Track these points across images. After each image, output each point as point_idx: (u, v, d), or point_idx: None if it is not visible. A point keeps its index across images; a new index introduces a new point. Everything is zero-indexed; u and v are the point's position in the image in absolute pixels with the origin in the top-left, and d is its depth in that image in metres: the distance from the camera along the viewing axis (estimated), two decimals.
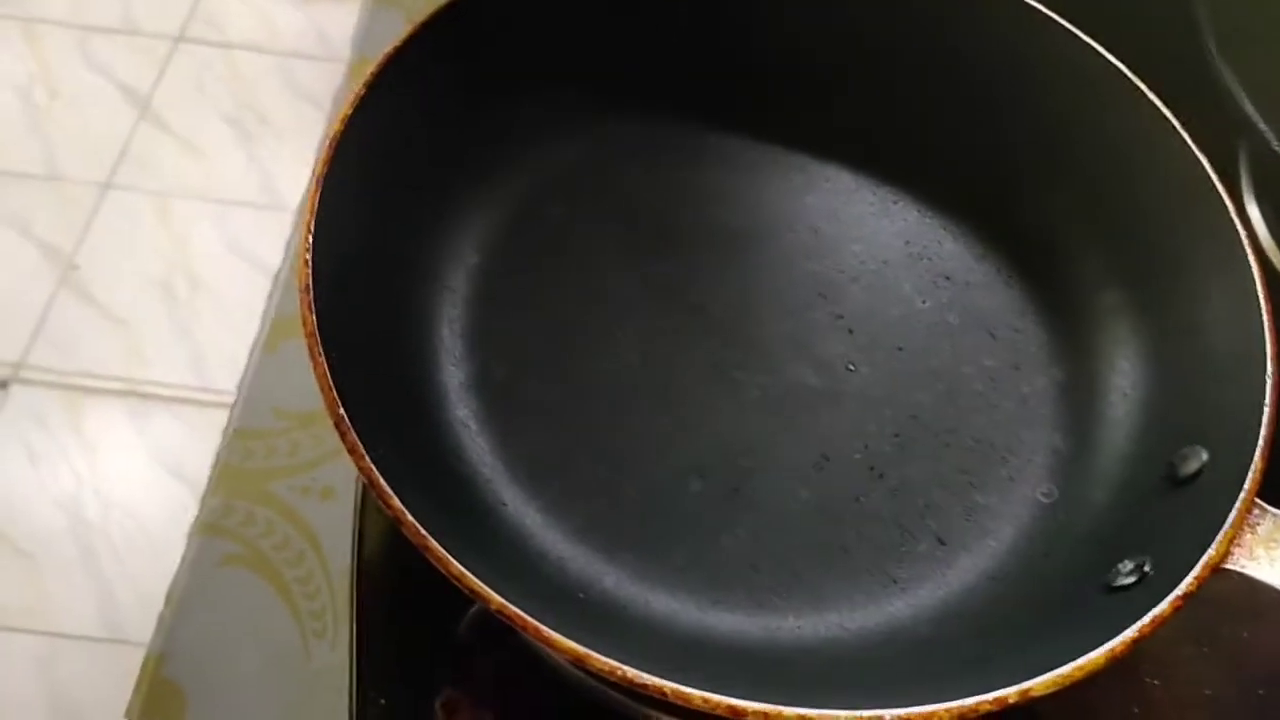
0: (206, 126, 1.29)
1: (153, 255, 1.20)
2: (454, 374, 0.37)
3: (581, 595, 0.33)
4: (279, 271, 0.52)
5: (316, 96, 1.31)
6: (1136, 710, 0.36)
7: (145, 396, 1.11)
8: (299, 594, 0.41)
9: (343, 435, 0.29)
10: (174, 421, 1.10)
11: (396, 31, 0.57)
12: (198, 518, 0.43)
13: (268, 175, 1.27)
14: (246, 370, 0.48)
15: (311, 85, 1.32)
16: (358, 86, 0.35)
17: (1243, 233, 0.34)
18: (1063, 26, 0.38)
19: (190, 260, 1.20)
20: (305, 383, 0.47)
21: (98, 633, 0.99)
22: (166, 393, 1.11)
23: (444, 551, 0.27)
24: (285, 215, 1.24)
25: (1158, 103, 0.36)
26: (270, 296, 0.50)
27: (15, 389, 1.11)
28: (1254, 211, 0.48)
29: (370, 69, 0.36)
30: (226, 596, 0.41)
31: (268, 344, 0.48)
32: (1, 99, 1.29)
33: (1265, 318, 0.33)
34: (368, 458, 0.28)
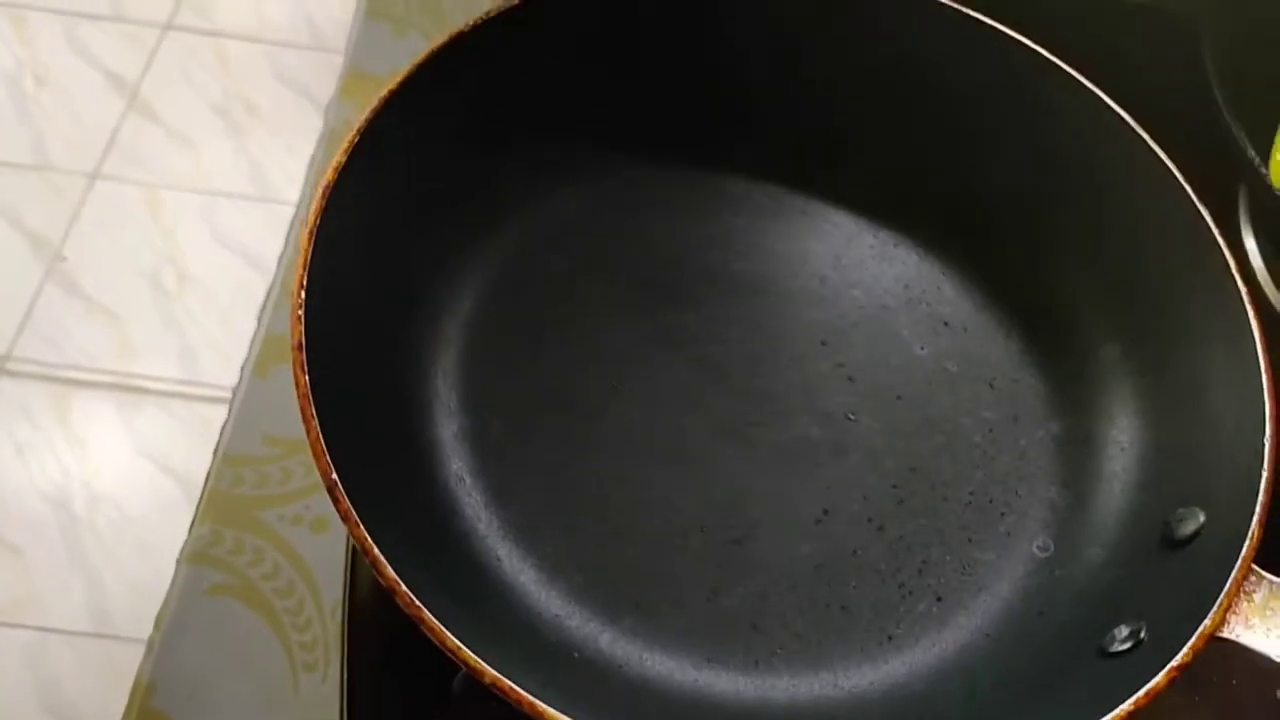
0: (195, 116, 1.27)
1: (141, 246, 1.19)
2: (448, 426, 0.36)
3: (576, 655, 0.33)
4: (270, 288, 0.52)
5: (306, 86, 1.29)
6: None
7: (133, 389, 1.11)
8: (289, 625, 0.41)
9: (336, 502, 0.29)
10: (162, 415, 1.10)
11: (384, 44, 0.57)
12: (185, 545, 0.43)
13: (257, 166, 1.25)
14: (236, 393, 0.47)
15: (301, 75, 1.30)
16: (350, 132, 0.35)
17: (1246, 298, 0.34)
18: (1071, 76, 0.38)
19: (179, 252, 1.19)
20: (296, 411, 0.46)
21: (86, 627, 0.99)
22: (155, 386, 1.11)
23: (438, 624, 0.27)
24: (275, 207, 1.22)
25: (1167, 161, 0.36)
26: (261, 315, 0.50)
27: (2, 381, 1.10)
28: (1250, 244, 0.48)
29: (363, 115, 0.35)
30: (215, 626, 0.41)
31: (257, 367, 0.48)
32: None
33: (1265, 381, 0.33)
34: (362, 525, 0.28)
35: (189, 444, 1.06)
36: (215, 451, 0.45)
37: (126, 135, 1.26)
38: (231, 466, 0.45)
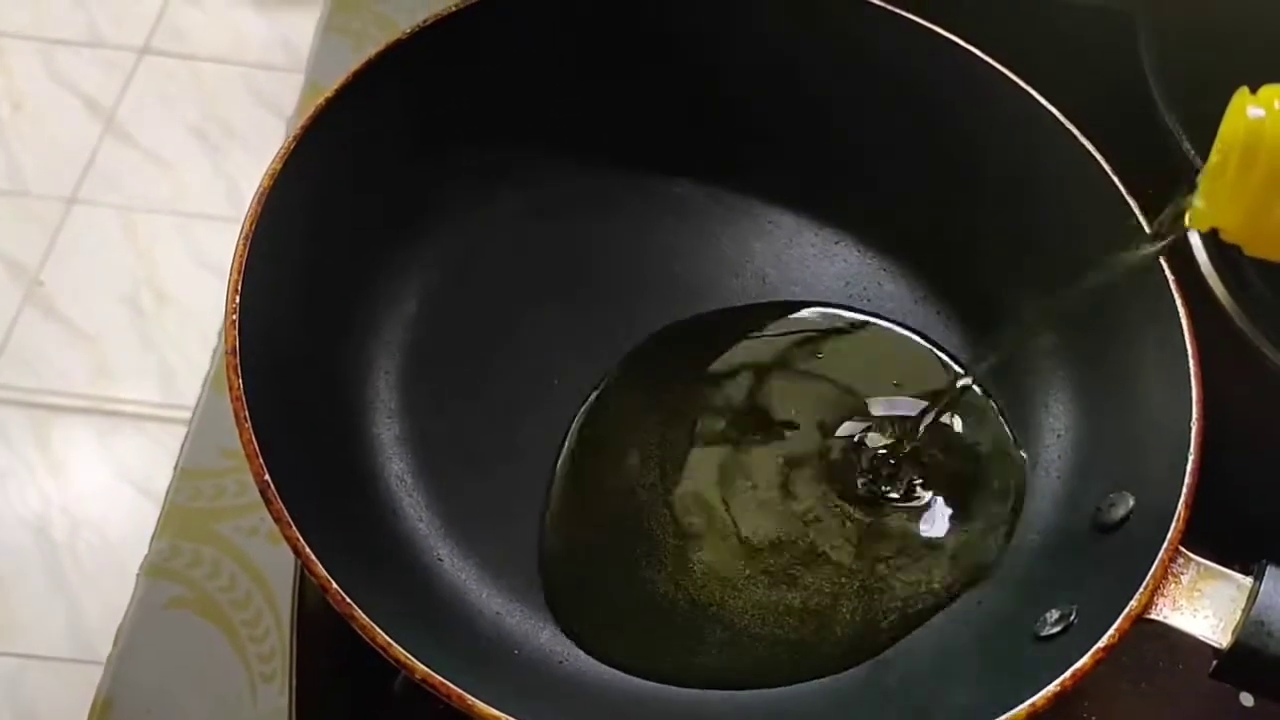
0: (172, 138, 1.28)
1: (119, 270, 1.19)
2: (390, 428, 0.36)
3: (516, 651, 0.33)
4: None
5: (282, 107, 1.30)
6: None
7: (112, 413, 1.11)
8: (246, 637, 0.41)
9: (269, 503, 0.29)
10: (141, 438, 1.10)
11: (344, 59, 0.57)
12: (144, 559, 0.43)
13: (234, 187, 1.26)
14: (196, 408, 0.47)
15: (277, 96, 1.31)
16: (288, 139, 0.35)
17: (1174, 286, 0.34)
18: (1005, 75, 0.38)
19: (156, 274, 1.19)
20: None
21: (66, 653, 0.98)
22: (133, 409, 1.11)
23: (368, 620, 0.27)
24: None
25: (1102, 162, 0.37)
26: (220, 333, 0.50)
27: None
28: (1195, 240, 0.48)
29: (306, 114, 0.36)
30: (173, 639, 0.41)
31: (215, 382, 0.48)
32: None
33: (1193, 368, 0.33)
34: (294, 526, 0.28)
35: (168, 467, 1.06)
36: (175, 466, 0.46)
37: (103, 159, 1.26)
38: (190, 480, 0.45)
